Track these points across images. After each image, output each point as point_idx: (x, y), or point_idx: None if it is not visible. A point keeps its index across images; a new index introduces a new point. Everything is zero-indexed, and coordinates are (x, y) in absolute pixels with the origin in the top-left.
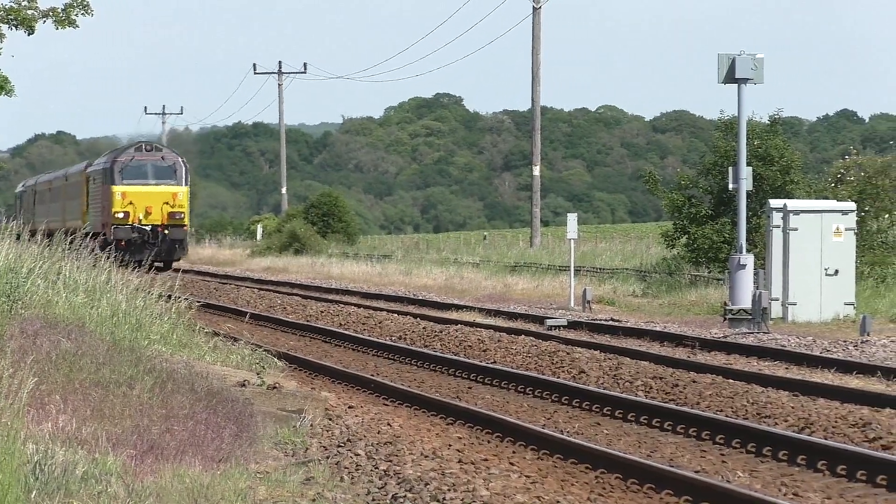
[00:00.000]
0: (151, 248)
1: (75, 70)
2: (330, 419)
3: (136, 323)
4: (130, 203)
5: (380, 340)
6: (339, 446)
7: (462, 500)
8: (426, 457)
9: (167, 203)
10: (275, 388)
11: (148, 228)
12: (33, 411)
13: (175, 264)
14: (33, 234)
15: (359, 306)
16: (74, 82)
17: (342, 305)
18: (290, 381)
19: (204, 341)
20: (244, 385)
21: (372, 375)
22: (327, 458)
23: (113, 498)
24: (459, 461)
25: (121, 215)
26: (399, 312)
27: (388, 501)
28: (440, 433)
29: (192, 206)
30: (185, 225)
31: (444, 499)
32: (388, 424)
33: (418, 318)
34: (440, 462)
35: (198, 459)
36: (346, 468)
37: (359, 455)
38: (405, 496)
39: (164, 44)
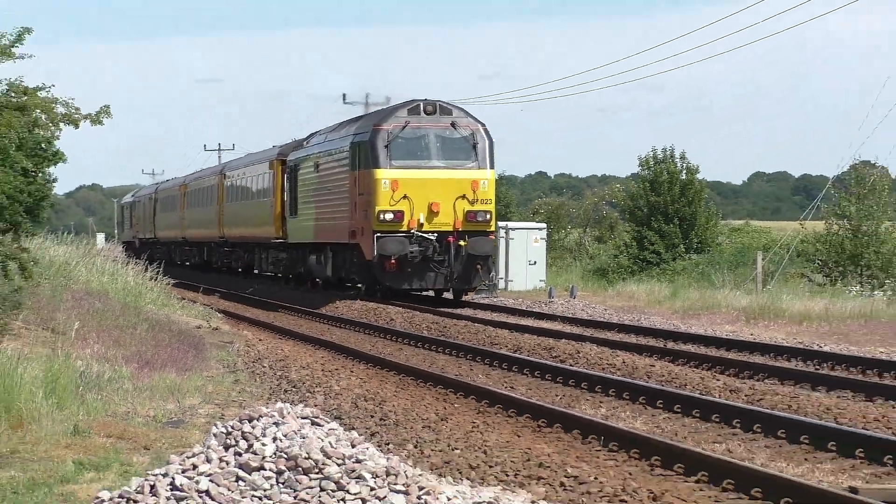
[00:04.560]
0: (438, 269)
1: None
2: (248, 346)
3: (138, 292)
4: (405, 197)
5: (278, 302)
6: (254, 362)
7: (324, 391)
8: (304, 368)
9: (463, 197)
10: (216, 329)
11: (433, 237)
12: (80, 342)
13: None
14: (154, 244)
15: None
16: (100, 146)
17: (260, 283)
18: (226, 325)
19: (176, 302)
20: (199, 328)
21: (272, 321)
22: (247, 368)
23: (126, 391)
24: (322, 370)
25: (389, 217)
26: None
27: (281, 392)
28: (311, 354)
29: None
30: (490, 231)
31: (314, 391)
32: (281, 349)
33: (302, 290)
34: (311, 371)
35: (173, 370)
36: (257, 374)
37: (265, 367)
38: (291, 389)
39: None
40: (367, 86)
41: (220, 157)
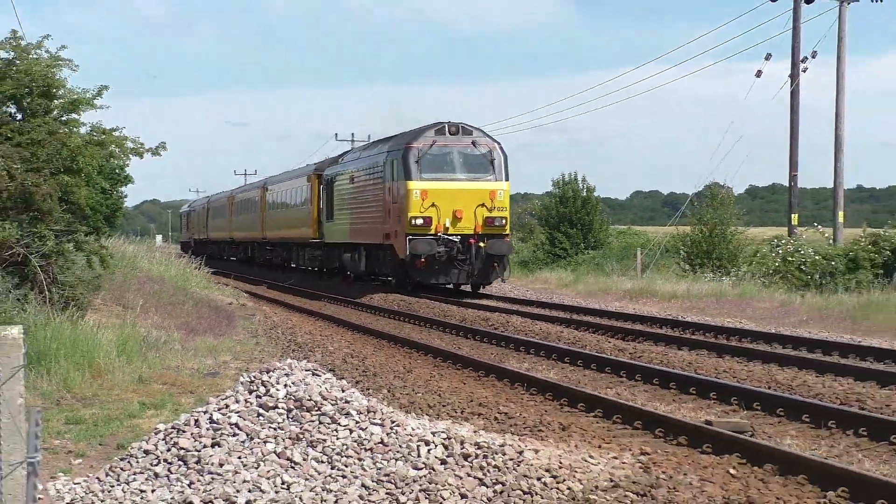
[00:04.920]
0: (461, 267)
1: (159, 164)
2: (266, 318)
3: (186, 277)
4: (433, 205)
5: (285, 286)
6: (270, 329)
7: (321, 351)
8: (307, 333)
9: (482, 205)
10: (243, 305)
11: (457, 239)
12: (143, 314)
13: None
14: (206, 243)
15: (302, 273)
16: (158, 171)
17: (280, 272)
18: (250, 302)
19: (214, 285)
20: (231, 304)
21: (284, 300)
22: (265, 334)
23: (176, 350)
24: (321, 335)
25: (419, 222)
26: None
27: (290, 351)
28: (313, 323)
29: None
30: (506, 235)
31: (314, 350)
32: (290, 320)
33: (332, 281)
34: (312, 336)
35: (212, 335)
36: (273, 338)
37: (278, 333)
38: (297, 349)
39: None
40: (353, 126)
41: (245, 179)
